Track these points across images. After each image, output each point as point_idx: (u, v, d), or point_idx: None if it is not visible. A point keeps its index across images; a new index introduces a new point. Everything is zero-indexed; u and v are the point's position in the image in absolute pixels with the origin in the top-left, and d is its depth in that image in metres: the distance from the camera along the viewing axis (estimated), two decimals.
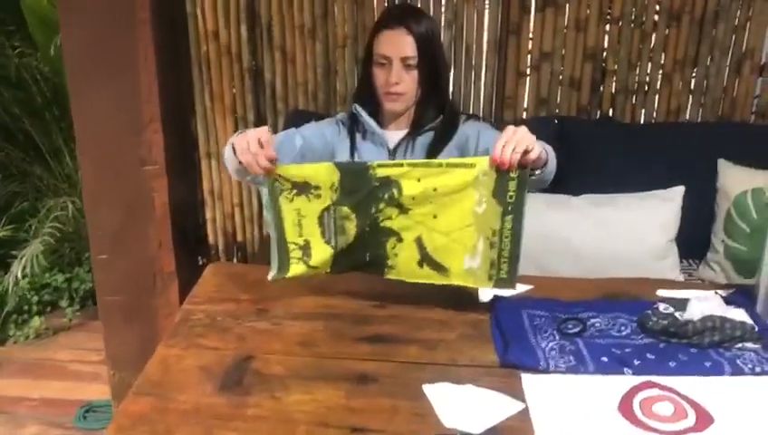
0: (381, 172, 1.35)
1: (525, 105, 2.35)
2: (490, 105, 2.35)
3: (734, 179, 2.11)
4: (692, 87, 2.29)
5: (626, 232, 2.03)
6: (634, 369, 1.21)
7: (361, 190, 1.35)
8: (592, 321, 1.36)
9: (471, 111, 2.35)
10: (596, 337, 1.31)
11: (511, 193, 1.28)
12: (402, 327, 1.37)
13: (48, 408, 2.40)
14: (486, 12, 2.24)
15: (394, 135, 1.71)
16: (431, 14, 2.22)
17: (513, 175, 1.27)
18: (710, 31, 2.21)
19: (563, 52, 2.27)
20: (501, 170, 1.27)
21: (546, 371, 1.21)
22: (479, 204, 1.29)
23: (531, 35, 2.27)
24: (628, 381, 1.18)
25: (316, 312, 1.43)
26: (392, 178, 1.34)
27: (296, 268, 1.37)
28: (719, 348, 1.26)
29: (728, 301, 1.38)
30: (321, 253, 1.36)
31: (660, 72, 2.27)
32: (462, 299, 1.45)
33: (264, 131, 1.34)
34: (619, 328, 1.35)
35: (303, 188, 1.36)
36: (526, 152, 1.26)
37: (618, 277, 1.67)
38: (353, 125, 1.73)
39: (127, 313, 2.18)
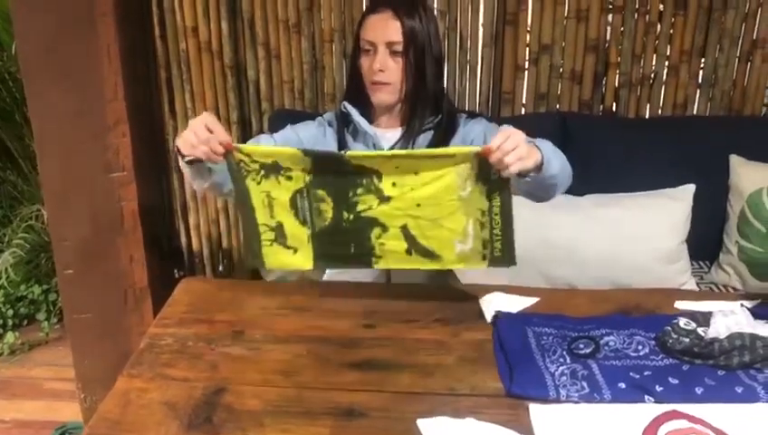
0: (356, 162, 1.27)
1: (524, 100, 2.24)
2: (487, 101, 2.24)
3: (748, 176, 2.02)
4: (700, 79, 2.19)
5: (634, 234, 1.95)
6: (656, 396, 1.09)
7: (336, 174, 1.27)
8: (606, 339, 1.24)
9: (467, 108, 2.21)
10: (611, 358, 1.19)
11: (494, 171, 1.21)
12: (394, 351, 1.24)
13: (21, 430, 2.25)
14: (481, 2, 2.11)
15: (388, 135, 1.56)
16: None
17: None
18: (719, 19, 2.11)
19: (563, 43, 2.16)
20: (482, 158, 1.21)
21: (557, 400, 1.09)
22: (463, 188, 1.23)
23: (529, 27, 2.16)
24: (650, 410, 1.05)
25: (298, 334, 1.29)
26: (368, 167, 1.27)
27: (272, 252, 1.22)
28: (750, 370, 1.14)
29: (756, 314, 1.25)
30: (298, 234, 1.23)
31: (666, 63, 2.17)
32: (461, 315, 1.33)
33: (207, 116, 1.25)
34: (636, 347, 1.22)
35: (272, 168, 1.26)
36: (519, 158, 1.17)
37: (630, 288, 1.55)
38: (342, 125, 1.58)
39: (97, 332, 2.04)
